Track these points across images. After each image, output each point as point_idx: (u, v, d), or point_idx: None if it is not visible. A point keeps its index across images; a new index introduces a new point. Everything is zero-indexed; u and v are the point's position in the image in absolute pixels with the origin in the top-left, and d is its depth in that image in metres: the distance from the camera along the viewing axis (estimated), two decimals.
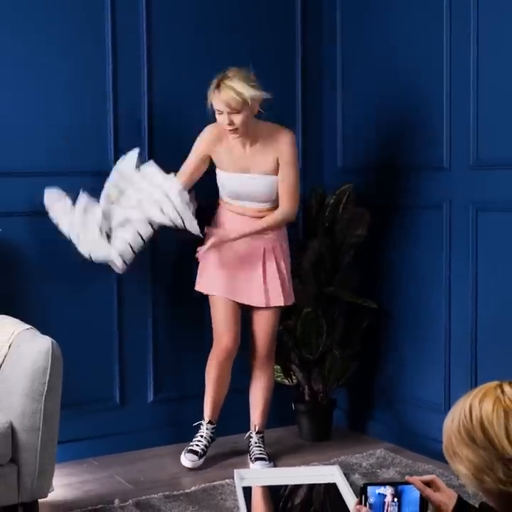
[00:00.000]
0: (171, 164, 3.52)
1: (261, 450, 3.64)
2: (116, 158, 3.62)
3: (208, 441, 3.61)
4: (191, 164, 3.51)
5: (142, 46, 3.74)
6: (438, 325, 3.66)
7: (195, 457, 3.55)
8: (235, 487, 3.23)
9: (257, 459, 3.61)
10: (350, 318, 3.89)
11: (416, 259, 3.77)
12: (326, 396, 3.94)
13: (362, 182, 3.94)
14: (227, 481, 3.36)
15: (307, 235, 4.00)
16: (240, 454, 3.71)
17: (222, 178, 3.52)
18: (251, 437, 3.68)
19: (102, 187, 3.52)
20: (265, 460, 3.61)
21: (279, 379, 3.97)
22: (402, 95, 3.80)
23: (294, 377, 3.97)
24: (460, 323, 3.57)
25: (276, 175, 3.47)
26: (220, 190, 3.57)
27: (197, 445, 3.58)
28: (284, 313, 3.82)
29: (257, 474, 3.42)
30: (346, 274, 3.86)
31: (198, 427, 3.64)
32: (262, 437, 3.69)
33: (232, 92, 3.27)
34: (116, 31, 3.68)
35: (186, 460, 3.55)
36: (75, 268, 3.59)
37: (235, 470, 3.30)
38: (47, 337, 2.83)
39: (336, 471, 3.32)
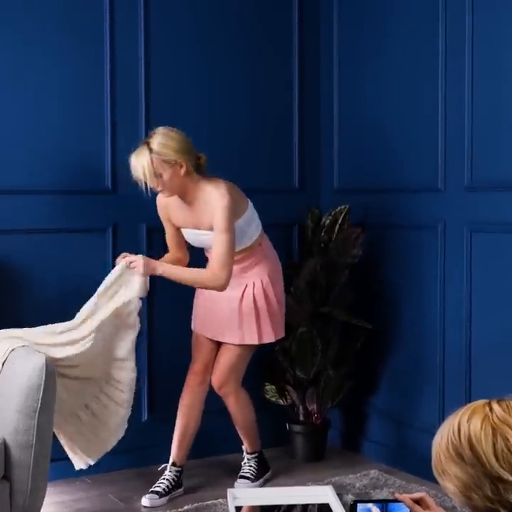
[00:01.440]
0: None
1: (249, 468, 3.64)
2: (114, 167, 3.70)
3: (171, 483, 3.47)
4: (169, 234, 3.53)
5: (140, 47, 3.77)
6: (432, 345, 3.66)
7: (156, 496, 3.42)
8: (227, 506, 3.20)
9: (240, 476, 3.61)
10: (345, 338, 3.89)
11: (410, 280, 3.77)
12: (321, 416, 3.94)
13: (357, 203, 3.95)
14: (220, 500, 3.35)
15: (303, 255, 4.02)
16: (233, 474, 3.68)
17: (185, 234, 3.49)
18: (244, 458, 3.68)
19: (100, 204, 3.58)
20: (247, 479, 3.59)
21: (273, 399, 3.97)
22: (397, 117, 3.82)
23: (288, 397, 3.96)
24: (454, 344, 3.56)
25: None
26: None
27: (158, 486, 3.46)
28: None
29: (250, 494, 3.41)
30: (341, 294, 3.86)
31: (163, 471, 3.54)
32: (256, 457, 3.67)
33: (140, 161, 3.18)
34: (115, 33, 3.71)
35: (145, 499, 3.41)
36: (72, 285, 3.63)
37: (228, 489, 3.27)
38: (41, 354, 2.83)
39: (329, 492, 3.29)
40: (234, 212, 3.28)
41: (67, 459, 3.52)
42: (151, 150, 3.17)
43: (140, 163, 3.18)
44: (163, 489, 3.45)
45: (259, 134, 4.06)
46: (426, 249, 3.68)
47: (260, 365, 3.93)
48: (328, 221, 3.92)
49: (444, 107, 3.57)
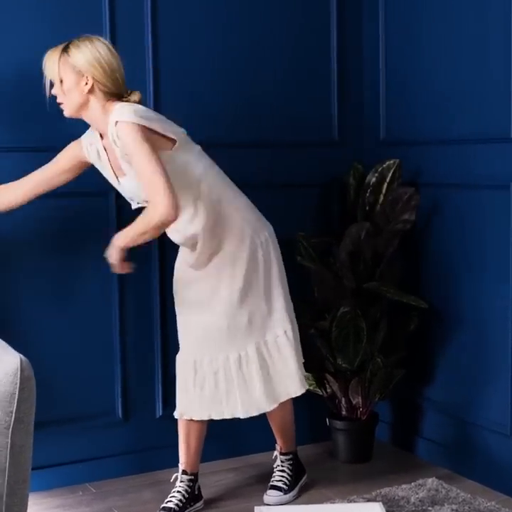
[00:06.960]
0: None
1: (280, 476, 3.19)
2: None
3: (184, 496, 3.03)
4: (50, 169, 3.00)
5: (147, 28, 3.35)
6: (502, 329, 3.23)
7: None
8: None
9: (271, 486, 3.17)
10: (395, 320, 3.53)
11: (476, 250, 3.36)
12: (367, 410, 3.52)
13: (410, 157, 3.58)
14: None
15: (344, 220, 3.68)
16: (263, 479, 3.25)
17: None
18: (276, 459, 3.24)
19: None
20: (279, 489, 3.14)
21: (311, 387, 3.53)
22: (459, 49, 3.34)
23: (328, 387, 3.55)
24: None
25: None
26: None
27: (170, 501, 3.02)
28: (316, 313, 3.50)
29: None
30: (390, 267, 3.50)
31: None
32: (290, 460, 3.22)
33: (49, 57, 2.84)
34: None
35: None
36: (71, 264, 3.33)
37: (256, 507, 2.84)
38: (16, 353, 2.32)
39: (378, 510, 2.81)
40: (144, 137, 2.72)
41: (68, 463, 3.31)
42: (65, 48, 2.83)
43: (49, 60, 2.84)
44: (176, 504, 2.98)
45: (291, 76, 3.68)
46: (495, 212, 3.24)
47: None
48: (374, 179, 3.59)
49: None
